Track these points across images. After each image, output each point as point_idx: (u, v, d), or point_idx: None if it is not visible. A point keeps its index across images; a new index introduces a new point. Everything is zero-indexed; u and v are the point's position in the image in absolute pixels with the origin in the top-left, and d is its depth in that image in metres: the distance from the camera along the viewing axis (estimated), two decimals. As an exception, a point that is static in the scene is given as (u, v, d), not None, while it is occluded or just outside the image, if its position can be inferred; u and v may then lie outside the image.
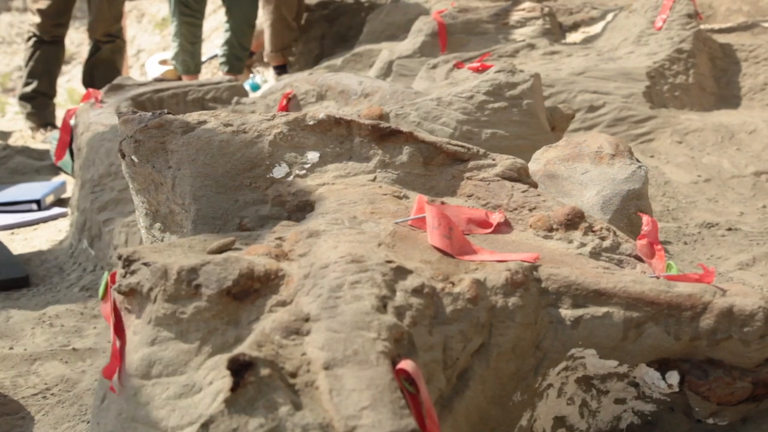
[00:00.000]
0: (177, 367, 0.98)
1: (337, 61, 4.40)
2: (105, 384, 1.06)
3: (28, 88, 4.67)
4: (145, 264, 1.04)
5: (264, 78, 5.21)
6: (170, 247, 1.12)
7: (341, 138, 1.44)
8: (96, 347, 1.94)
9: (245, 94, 3.22)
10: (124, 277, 1.05)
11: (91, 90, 3.05)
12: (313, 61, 5.03)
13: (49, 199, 3.26)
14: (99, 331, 2.06)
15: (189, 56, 4.92)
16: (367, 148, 1.43)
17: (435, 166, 1.43)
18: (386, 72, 3.72)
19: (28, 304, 2.29)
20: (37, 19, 4.48)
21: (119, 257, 1.07)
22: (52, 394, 1.73)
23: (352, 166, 1.42)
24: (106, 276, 1.10)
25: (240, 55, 4.95)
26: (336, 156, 1.43)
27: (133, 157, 1.48)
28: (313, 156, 1.43)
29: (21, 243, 2.88)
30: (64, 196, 3.44)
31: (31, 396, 1.72)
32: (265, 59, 5.26)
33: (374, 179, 1.40)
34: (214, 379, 0.93)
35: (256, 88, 4.93)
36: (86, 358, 1.90)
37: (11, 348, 1.96)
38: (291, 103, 2.77)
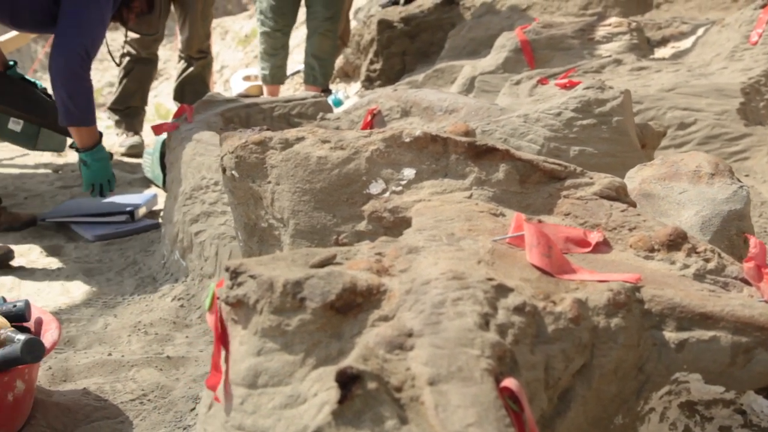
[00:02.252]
0: (282, 377, 1.00)
1: (419, 77, 4.42)
2: (211, 391, 1.09)
3: (121, 106, 4.85)
4: (252, 276, 1.07)
5: (346, 93, 5.28)
6: (274, 260, 1.14)
7: (437, 155, 1.45)
8: (188, 356, 2.00)
9: (330, 110, 3.27)
10: (231, 288, 1.08)
11: (184, 105, 3.15)
12: (395, 77, 5.07)
13: (142, 211, 3.37)
14: (191, 341, 2.12)
15: (267, 66, 5.03)
16: (463, 165, 1.43)
17: (531, 184, 1.42)
18: (468, 88, 3.71)
19: (124, 313, 2.38)
20: (136, 35, 4.62)
21: (226, 269, 1.10)
22: (149, 400, 1.79)
23: (448, 183, 1.42)
24: (212, 287, 1.14)
25: (312, 64, 4.97)
26: (432, 173, 1.44)
27: (233, 172, 1.53)
28: (409, 173, 1.44)
29: (116, 253, 2.99)
30: (155, 208, 3.55)
31: (129, 401, 1.78)
32: None
33: (470, 196, 1.40)
34: (318, 390, 0.95)
35: (338, 103, 4.99)
36: (179, 366, 1.96)
37: (110, 354, 2.03)
38: (375, 119, 2.80)
